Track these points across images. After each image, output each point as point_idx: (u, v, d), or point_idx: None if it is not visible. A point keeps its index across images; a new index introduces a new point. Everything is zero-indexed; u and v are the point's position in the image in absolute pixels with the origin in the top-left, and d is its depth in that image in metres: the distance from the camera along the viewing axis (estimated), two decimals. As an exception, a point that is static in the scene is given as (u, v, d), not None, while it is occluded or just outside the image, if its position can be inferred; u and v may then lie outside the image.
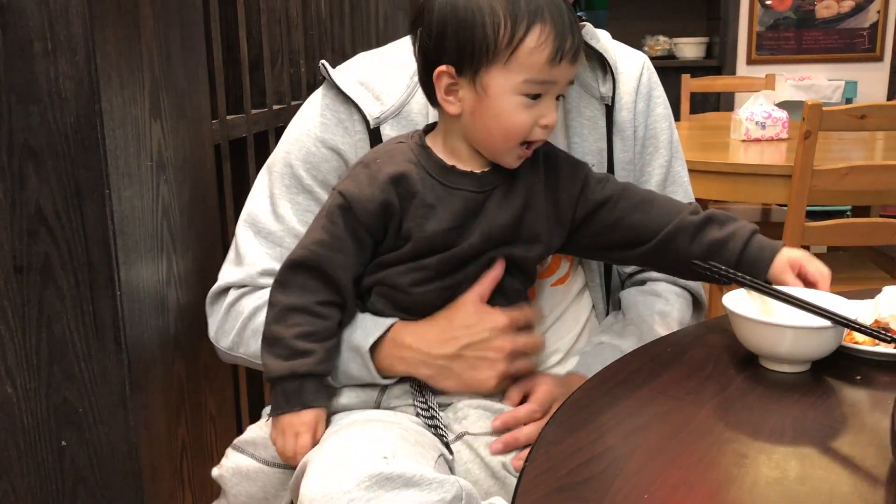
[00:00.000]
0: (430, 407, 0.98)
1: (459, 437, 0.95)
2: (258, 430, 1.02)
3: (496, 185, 0.98)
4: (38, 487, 1.06)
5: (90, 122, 0.97)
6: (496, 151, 0.96)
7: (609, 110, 1.13)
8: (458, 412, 0.98)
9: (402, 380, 1.01)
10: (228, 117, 1.48)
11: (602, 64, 1.13)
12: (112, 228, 1.00)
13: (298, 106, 1.16)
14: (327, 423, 0.98)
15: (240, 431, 1.47)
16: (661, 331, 1.11)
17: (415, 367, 0.99)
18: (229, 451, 1.03)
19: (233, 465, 1.01)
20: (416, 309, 1.00)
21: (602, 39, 1.14)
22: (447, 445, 0.95)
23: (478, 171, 0.98)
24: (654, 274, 1.20)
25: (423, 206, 0.95)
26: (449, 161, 0.98)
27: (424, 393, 1.00)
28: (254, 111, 1.62)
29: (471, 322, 0.98)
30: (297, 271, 0.96)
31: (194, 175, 1.22)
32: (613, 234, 1.02)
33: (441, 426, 0.96)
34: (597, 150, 1.12)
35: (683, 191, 1.20)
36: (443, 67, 0.93)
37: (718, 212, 1.02)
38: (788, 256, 0.98)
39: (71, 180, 0.98)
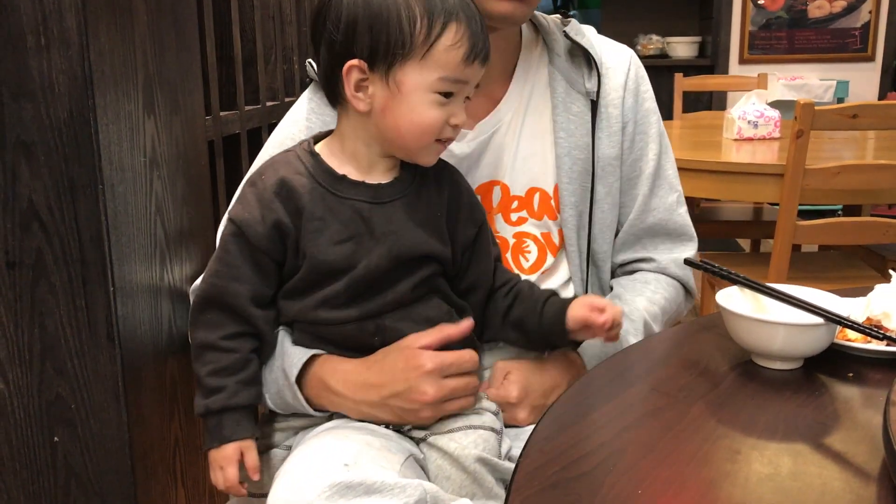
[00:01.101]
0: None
1: (423, 439, 0.94)
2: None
3: (395, 199, 0.95)
4: (30, 483, 1.06)
5: (83, 117, 0.96)
6: (409, 150, 0.94)
7: (594, 105, 1.13)
8: None
9: None
10: (222, 113, 1.48)
11: (588, 60, 1.14)
12: (105, 224, 0.99)
13: (292, 103, 1.15)
14: (269, 446, 1.00)
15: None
16: (649, 318, 1.12)
17: (344, 410, 0.96)
18: None
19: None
20: (343, 343, 0.97)
21: (588, 35, 1.15)
22: (417, 443, 0.95)
23: (373, 182, 0.95)
24: (644, 265, 1.20)
25: (312, 220, 0.93)
26: (340, 170, 0.95)
27: None
28: (247, 108, 1.61)
29: (394, 368, 0.94)
30: (202, 308, 0.96)
31: (188, 171, 1.22)
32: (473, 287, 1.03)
33: (402, 429, 0.96)
34: (584, 144, 1.12)
35: (668, 185, 1.20)
36: (354, 62, 0.90)
37: (524, 286, 1.03)
38: (577, 304, 0.97)
39: (64, 175, 0.98)
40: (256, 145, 1.64)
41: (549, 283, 1.14)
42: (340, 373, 0.96)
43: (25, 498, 1.06)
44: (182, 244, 1.19)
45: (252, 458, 0.95)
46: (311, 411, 0.97)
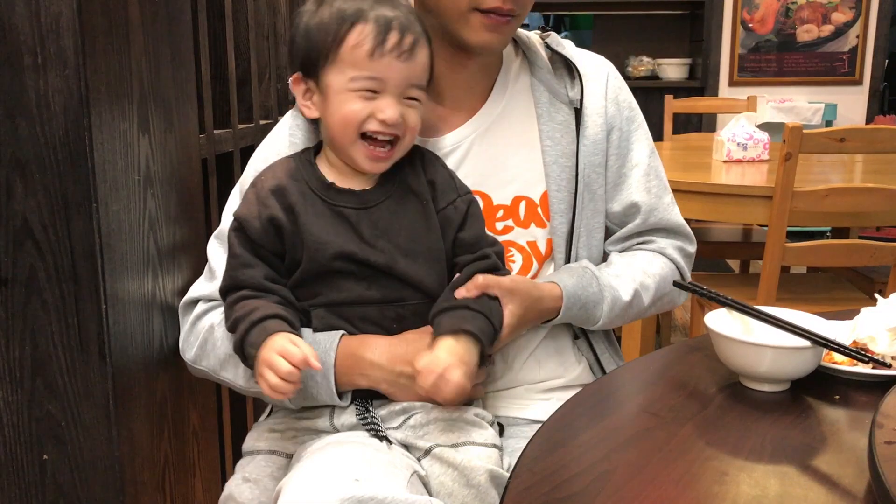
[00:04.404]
0: (373, 422, 0.98)
1: (428, 451, 0.95)
2: (232, 486, 1.03)
3: (381, 202, 1.01)
4: (18, 501, 1.05)
5: (79, 135, 0.97)
6: (343, 148, 1.00)
7: (577, 114, 1.15)
8: (418, 430, 0.98)
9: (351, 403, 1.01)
10: (215, 132, 1.48)
11: (569, 70, 1.16)
12: (99, 242, 1.00)
13: (286, 122, 1.16)
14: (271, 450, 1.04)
15: (222, 447, 1.47)
16: (639, 275, 1.15)
17: (376, 383, 0.99)
18: None
19: None
20: (363, 327, 1.01)
21: (567, 48, 1.18)
22: (419, 459, 0.95)
23: (358, 188, 1.02)
24: (643, 247, 1.22)
25: (306, 217, 0.99)
26: (329, 177, 1.02)
27: (370, 411, 1.00)
28: (241, 126, 1.62)
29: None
30: (226, 297, 1.01)
31: (181, 189, 1.22)
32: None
33: (386, 437, 0.96)
34: (570, 152, 1.14)
35: (664, 186, 1.23)
36: (295, 75, 1.03)
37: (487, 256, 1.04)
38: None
39: (58, 193, 0.98)
40: (249, 163, 1.65)
41: None
42: (377, 345, 0.99)
43: (13, 516, 1.06)
44: (174, 262, 1.20)
45: (306, 345, 0.92)
46: (336, 399, 0.99)
